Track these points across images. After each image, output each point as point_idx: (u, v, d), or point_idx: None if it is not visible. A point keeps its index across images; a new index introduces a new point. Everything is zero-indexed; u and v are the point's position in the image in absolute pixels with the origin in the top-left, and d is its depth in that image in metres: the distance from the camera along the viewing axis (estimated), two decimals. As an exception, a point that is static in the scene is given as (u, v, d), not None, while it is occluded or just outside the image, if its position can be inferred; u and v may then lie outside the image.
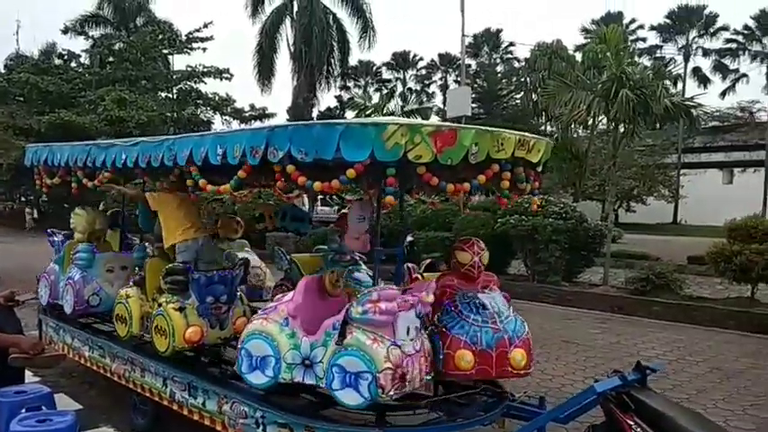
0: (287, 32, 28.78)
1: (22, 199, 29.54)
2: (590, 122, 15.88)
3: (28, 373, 5.03)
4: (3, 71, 32.23)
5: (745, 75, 41.53)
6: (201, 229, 4.72)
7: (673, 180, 34.70)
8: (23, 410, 3.37)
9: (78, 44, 38.47)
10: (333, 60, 28.70)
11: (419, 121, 3.56)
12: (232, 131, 3.62)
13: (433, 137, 3.09)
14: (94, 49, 31.83)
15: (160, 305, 4.33)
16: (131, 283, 4.90)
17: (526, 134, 3.53)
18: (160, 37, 29.39)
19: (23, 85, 27.34)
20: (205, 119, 29.90)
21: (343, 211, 4.97)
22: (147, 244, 5.50)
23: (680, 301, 10.26)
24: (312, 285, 3.73)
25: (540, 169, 3.84)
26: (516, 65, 44.61)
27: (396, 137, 3.03)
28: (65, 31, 33.29)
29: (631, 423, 2.85)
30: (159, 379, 4.45)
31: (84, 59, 33.62)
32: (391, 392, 3.18)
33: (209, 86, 30.94)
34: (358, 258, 4.77)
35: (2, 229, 19.85)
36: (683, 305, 10.03)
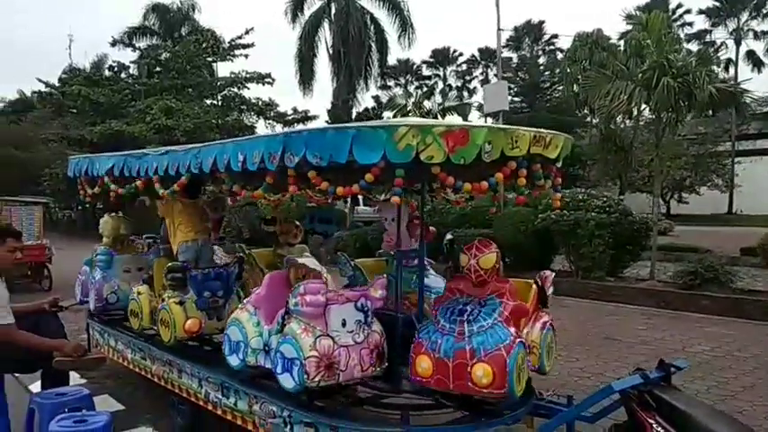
0: (325, 35, 29.04)
1: (79, 208, 30.79)
2: (633, 113, 15.41)
3: (75, 375, 5.31)
4: (57, 85, 33.66)
5: (802, 55, 39.66)
6: (201, 231, 5.22)
7: (726, 168, 33.37)
8: (65, 411, 3.56)
9: (127, 56, 39.85)
10: (371, 60, 28.77)
11: (431, 121, 3.55)
12: (251, 138, 3.71)
13: (445, 137, 3.09)
14: (142, 60, 32.92)
15: (164, 300, 4.84)
16: (141, 282, 5.46)
17: (542, 130, 3.49)
18: (204, 45, 30.19)
19: (76, 97, 28.51)
20: (249, 124, 30.50)
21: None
22: (164, 247, 5.74)
23: (730, 294, 9.90)
24: (276, 279, 4.08)
25: (559, 165, 3.78)
26: (559, 56, 43.78)
27: (407, 138, 3.05)
28: (113, 44, 34.56)
29: (653, 422, 2.79)
30: (195, 380, 4.59)
31: (133, 70, 34.80)
32: (317, 379, 3.43)
33: (253, 92, 31.59)
34: (427, 263, 4.53)
35: (57, 235, 20.71)
36: (734, 299, 9.67)
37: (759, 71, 40.48)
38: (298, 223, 5.84)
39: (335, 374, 3.50)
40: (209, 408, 4.46)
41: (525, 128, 3.45)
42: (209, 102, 31.26)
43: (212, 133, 26.67)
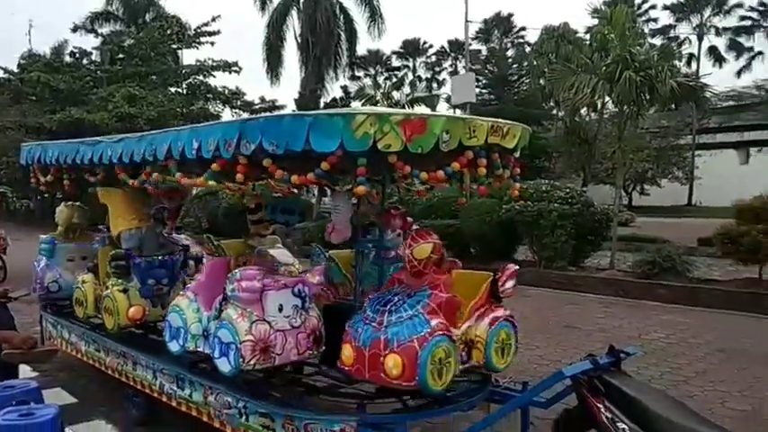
0: (294, 24, 28.80)
1: (38, 197, 29.97)
2: (597, 106, 15.67)
3: (26, 368, 5.18)
4: (16, 71, 32.59)
5: (760, 52, 40.74)
6: (144, 219, 5.18)
7: (687, 161, 34.18)
8: (13, 404, 3.46)
9: (89, 42, 38.75)
10: (340, 50, 28.62)
11: (389, 109, 3.54)
12: (206, 125, 3.64)
13: (402, 125, 3.08)
14: (104, 47, 32.02)
15: (107, 288, 4.92)
16: (87, 270, 5.49)
17: (499, 120, 3.51)
18: (168, 32, 29.49)
19: (35, 83, 27.62)
20: (215, 113, 30.02)
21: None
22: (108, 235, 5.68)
23: (687, 283, 10.17)
24: (216, 266, 4.18)
25: (517, 155, 3.81)
26: (527, 49, 44.16)
27: (364, 126, 3.03)
28: (74, 30, 33.62)
29: (601, 407, 2.84)
30: (150, 372, 4.52)
31: (95, 57, 33.83)
32: (252, 362, 3.51)
33: (220, 80, 31.00)
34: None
35: (14, 225, 20.15)
36: (690, 288, 9.94)
37: (720, 66, 41.49)
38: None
39: (271, 358, 3.59)
40: (164, 399, 4.40)
41: (483, 118, 3.46)
42: (173, 90, 30.60)
43: (177, 122, 26.13)
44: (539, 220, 11.61)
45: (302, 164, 3.41)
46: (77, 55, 34.11)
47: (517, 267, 4.13)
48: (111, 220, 5.22)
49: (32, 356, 4.32)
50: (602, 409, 2.83)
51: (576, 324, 8.34)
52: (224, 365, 3.62)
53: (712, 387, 5.72)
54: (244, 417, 3.71)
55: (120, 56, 30.57)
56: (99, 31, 33.95)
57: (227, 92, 30.44)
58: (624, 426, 2.75)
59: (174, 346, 4.08)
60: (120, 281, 4.88)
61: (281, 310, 3.67)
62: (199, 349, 3.92)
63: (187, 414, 4.23)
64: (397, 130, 3.07)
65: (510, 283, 3.96)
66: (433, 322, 3.34)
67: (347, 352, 3.47)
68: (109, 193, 5.23)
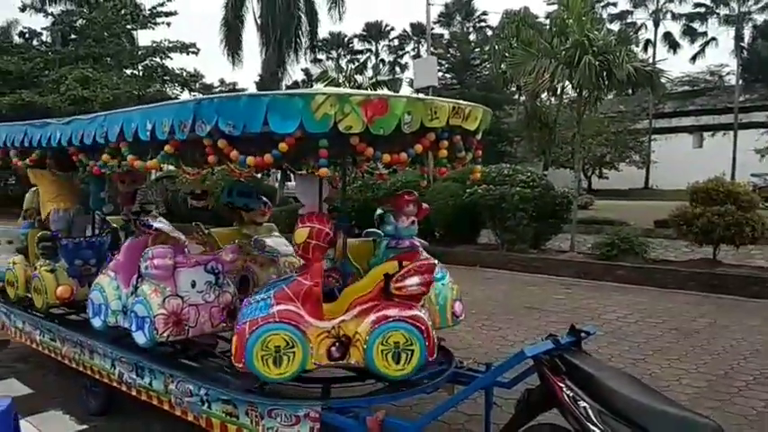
0: (253, 4, 28.17)
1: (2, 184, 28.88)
2: (557, 90, 15.83)
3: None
4: (-40, 52, 31.16)
5: (714, 38, 41.75)
6: (74, 201, 5.37)
7: (644, 145, 35.06)
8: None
9: (39, 22, 37.33)
10: (301, 32, 28.16)
11: (349, 90, 3.48)
12: (159, 105, 3.51)
13: (364, 106, 3.02)
14: (55, 27, 30.85)
15: (36, 269, 5.08)
16: (17, 252, 5.68)
17: (461, 102, 3.47)
18: (123, 12, 28.54)
19: (-18, 65, 26.48)
20: (173, 95, 29.30)
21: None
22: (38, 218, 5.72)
23: (644, 264, 10.43)
24: (134, 246, 4.34)
25: (479, 137, 3.80)
26: (489, 33, 44.33)
27: (324, 107, 2.97)
28: (23, 9, 32.12)
29: (562, 385, 2.87)
30: (108, 360, 4.40)
31: (46, 37, 32.60)
32: (165, 334, 3.79)
33: (177, 62, 30.31)
34: (419, 244, 4.21)
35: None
36: (647, 268, 10.19)
37: (675, 52, 42.37)
38: (266, 200, 5.41)
39: (184, 330, 3.87)
40: (124, 389, 4.29)
41: (444, 99, 3.43)
42: (129, 72, 29.70)
43: (133, 105, 25.38)
44: (501, 203, 11.71)
45: (258, 146, 3.33)
46: (27, 35, 32.77)
47: (434, 262, 3.80)
48: (41, 201, 5.37)
49: (-19, 347, 4.17)
50: (564, 388, 2.86)
51: (537, 305, 8.47)
52: (140, 338, 3.89)
53: (669, 365, 5.89)
54: (206, 404, 3.65)
55: (73, 36, 29.52)
56: (49, 10, 32.53)
57: (185, 74, 29.75)
58: (585, 403, 2.78)
59: (96, 322, 4.32)
60: (47, 261, 5.05)
61: (193, 285, 3.94)
62: (119, 324, 4.17)
63: (148, 403, 4.14)
64: (357, 110, 3.02)
65: (414, 280, 3.46)
66: (275, 308, 3.32)
67: (234, 336, 3.50)
68: (38, 176, 5.31)
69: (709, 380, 5.47)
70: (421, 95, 3.34)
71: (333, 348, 3.40)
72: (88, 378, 4.69)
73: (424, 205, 4.26)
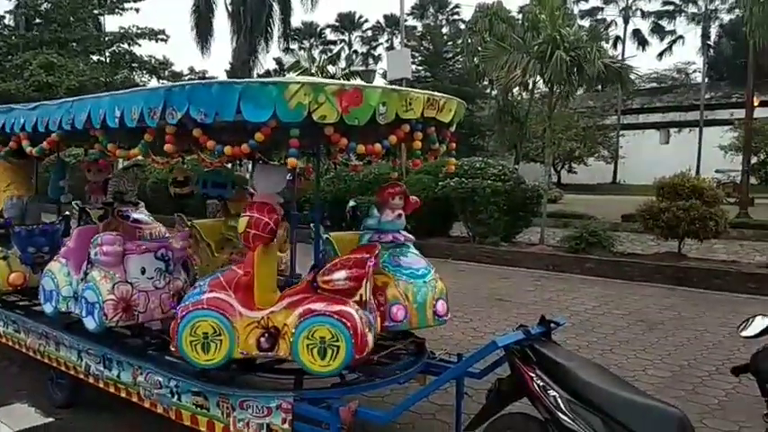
0: (224, -9, 27.83)
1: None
2: (529, 85, 15.99)
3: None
4: None
5: (681, 36, 42.67)
6: (28, 189, 5.40)
7: (612, 141, 35.64)
8: None
9: (2, 5, 36.18)
10: (272, 21, 27.91)
11: (323, 80, 3.45)
12: (128, 92, 3.43)
13: (338, 96, 3.00)
14: (19, 10, 29.97)
15: None
16: None
17: (435, 93, 3.48)
18: (89, -4, 27.92)
19: (-59, 48, 25.64)
20: (141, 83, 28.76)
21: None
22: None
23: (611, 257, 10.62)
24: (85, 233, 4.36)
25: (453, 129, 3.81)
26: (462, 27, 44.41)
27: (298, 96, 2.94)
28: (-16, -9, 31.20)
29: (533, 375, 2.91)
30: (74, 352, 4.31)
31: (9, 21, 31.66)
32: (115, 319, 3.86)
33: (146, 50, 29.72)
34: (404, 239, 4.11)
35: None
36: (614, 261, 10.38)
37: (644, 49, 43.25)
38: (252, 190, 4.98)
39: (134, 315, 3.94)
40: (91, 381, 4.21)
41: (419, 90, 3.43)
42: (95, 58, 29.11)
43: (100, 92, 24.81)
44: (473, 196, 11.79)
45: (233, 135, 3.28)
46: (-12, 19, 31.77)
47: (365, 256, 3.54)
48: None
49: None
50: (534, 378, 2.90)
51: (507, 297, 8.57)
52: (90, 323, 3.93)
53: (635, 355, 6.02)
54: (176, 396, 3.60)
55: (37, 21, 28.76)
56: (13, -7, 31.64)
57: (153, 61, 29.23)
58: (554, 393, 2.83)
59: (47, 308, 4.35)
60: (0, 249, 5.08)
61: (143, 272, 3.99)
62: (70, 310, 4.20)
63: (116, 396, 4.07)
64: (332, 100, 2.99)
65: (340, 275, 3.35)
66: (206, 296, 3.38)
67: None
68: None
69: (673, 370, 5.61)
70: (396, 87, 3.32)
71: (262, 339, 3.34)
72: (54, 370, 4.59)
73: (413, 198, 4.15)
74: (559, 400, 2.81)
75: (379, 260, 3.85)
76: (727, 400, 4.89)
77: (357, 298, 3.39)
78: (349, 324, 3.21)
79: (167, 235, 4.93)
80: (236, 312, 3.34)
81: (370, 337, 3.34)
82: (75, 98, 3.84)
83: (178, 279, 4.19)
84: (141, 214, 5.31)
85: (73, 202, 5.29)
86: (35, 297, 4.95)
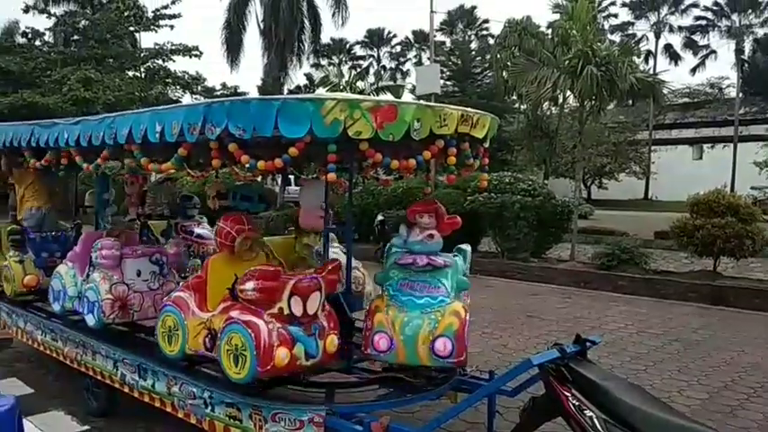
0: (256, 9, 28.25)
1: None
2: (559, 100, 15.91)
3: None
4: (-37, 51, 31.14)
5: (714, 51, 41.99)
6: (47, 202, 5.83)
7: (644, 156, 35.07)
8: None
9: (42, 22, 37.28)
10: (303, 37, 28.27)
11: (359, 96, 3.50)
12: (169, 108, 3.52)
13: (373, 112, 3.05)
14: (58, 28, 30.88)
15: (6, 260, 5.59)
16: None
17: (469, 109, 3.50)
18: (126, 14, 28.58)
19: (-16, 65, 26.48)
20: (174, 98, 29.33)
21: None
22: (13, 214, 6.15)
23: (644, 275, 10.43)
24: (89, 239, 4.77)
25: (486, 145, 3.81)
26: (491, 42, 44.42)
27: (334, 112, 2.99)
28: (26, 10, 32.15)
29: (568, 394, 2.87)
30: (110, 362, 4.39)
31: (49, 38, 32.64)
32: (112, 317, 4.31)
33: (181, 65, 30.37)
34: (443, 263, 3.67)
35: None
36: (647, 279, 10.19)
37: (676, 64, 42.64)
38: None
39: (130, 314, 4.40)
40: (126, 390, 4.29)
41: (453, 106, 3.45)
42: (131, 74, 29.72)
43: (134, 107, 25.42)
44: (502, 211, 11.73)
45: (266, 150, 3.34)
46: (30, 36, 32.80)
47: (277, 269, 3.48)
48: (18, 200, 5.88)
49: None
50: (570, 397, 2.86)
51: (537, 314, 8.47)
52: (90, 320, 4.38)
53: (669, 376, 5.88)
54: (210, 407, 3.64)
55: (75, 37, 29.55)
56: (52, 11, 32.57)
57: (186, 77, 29.76)
58: (591, 413, 2.79)
59: (55, 307, 4.82)
60: (16, 253, 5.56)
61: (139, 274, 4.45)
62: (75, 308, 4.63)
63: (150, 405, 4.13)
64: (367, 116, 3.04)
65: (249, 285, 3.32)
66: (175, 294, 3.87)
67: None
68: (21, 176, 5.76)
69: (709, 392, 5.47)
70: (430, 103, 3.34)
71: (207, 339, 3.60)
72: (90, 379, 4.68)
73: (450, 217, 3.80)
74: (596, 421, 2.76)
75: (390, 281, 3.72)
76: (766, 423, 4.75)
77: (275, 310, 3.33)
78: (254, 335, 3.24)
79: None
80: (189, 311, 3.71)
81: (282, 352, 3.24)
82: (115, 113, 3.95)
83: (171, 282, 4.60)
84: (204, 229, 5.62)
85: (128, 218, 5.71)
86: (47, 298, 5.31)
